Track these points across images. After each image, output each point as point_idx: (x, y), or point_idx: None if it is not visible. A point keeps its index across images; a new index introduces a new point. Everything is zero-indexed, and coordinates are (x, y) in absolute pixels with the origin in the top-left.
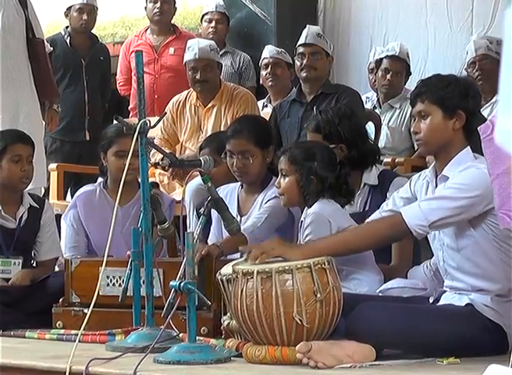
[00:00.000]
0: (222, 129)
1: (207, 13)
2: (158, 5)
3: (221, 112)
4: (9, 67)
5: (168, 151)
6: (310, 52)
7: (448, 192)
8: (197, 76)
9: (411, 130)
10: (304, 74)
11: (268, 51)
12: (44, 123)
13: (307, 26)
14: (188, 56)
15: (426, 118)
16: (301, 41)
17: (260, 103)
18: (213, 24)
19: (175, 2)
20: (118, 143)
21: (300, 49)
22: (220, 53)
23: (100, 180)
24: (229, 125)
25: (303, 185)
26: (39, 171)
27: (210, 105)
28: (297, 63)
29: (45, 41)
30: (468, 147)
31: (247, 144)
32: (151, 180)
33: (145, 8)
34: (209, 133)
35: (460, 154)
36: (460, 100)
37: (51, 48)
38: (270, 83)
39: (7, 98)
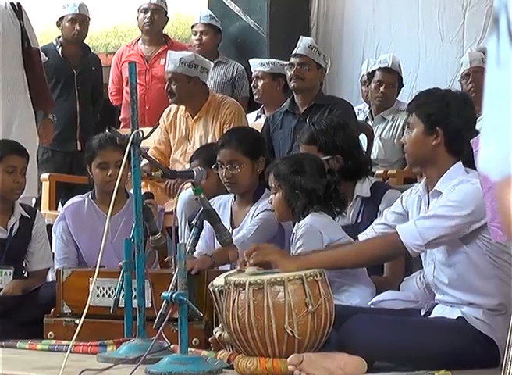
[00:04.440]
0: (209, 140)
1: (193, 25)
2: (149, 14)
3: (208, 123)
4: (4, 76)
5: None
6: (299, 63)
7: (443, 210)
8: (167, 89)
9: (401, 139)
10: (292, 84)
11: (252, 65)
12: (37, 133)
13: (301, 37)
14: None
15: (412, 130)
16: (294, 51)
17: (253, 114)
18: (197, 36)
19: (166, 12)
20: (100, 155)
21: (291, 59)
22: (213, 63)
23: None
24: (221, 136)
25: (289, 200)
26: (30, 181)
27: (197, 116)
28: (288, 73)
29: (41, 51)
30: (459, 162)
31: (235, 153)
32: (144, 190)
33: (137, 18)
34: (196, 144)
35: (451, 169)
36: (441, 117)
37: (47, 58)
38: (255, 97)
39: (1, 107)
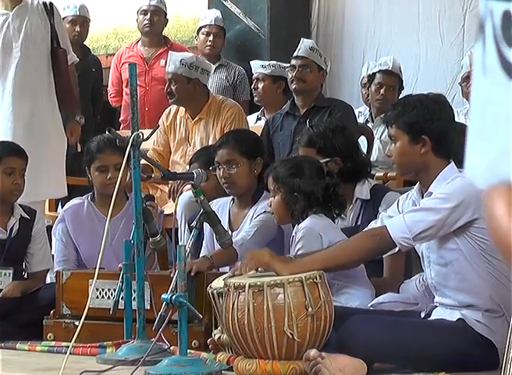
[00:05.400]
0: (210, 142)
1: (204, 26)
2: (148, 16)
3: (208, 125)
4: (27, 76)
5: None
6: (300, 65)
7: (431, 203)
8: (167, 89)
9: (385, 152)
10: (294, 86)
11: (253, 67)
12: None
13: (302, 39)
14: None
15: (396, 142)
16: (294, 53)
17: (254, 116)
18: (211, 38)
19: (166, 14)
20: (99, 158)
21: (292, 61)
22: (214, 66)
23: None
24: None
25: (288, 203)
26: (60, 181)
27: (197, 118)
28: (289, 75)
29: (71, 51)
30: (452, 163)
31: (232, 153)
32: (145, 192)
33: (136, 20)
34: (197, 146)
35: (445, 170)
36: (424, 124)
37: (77, 59)
38: (255, 99)
39: (21, 107)
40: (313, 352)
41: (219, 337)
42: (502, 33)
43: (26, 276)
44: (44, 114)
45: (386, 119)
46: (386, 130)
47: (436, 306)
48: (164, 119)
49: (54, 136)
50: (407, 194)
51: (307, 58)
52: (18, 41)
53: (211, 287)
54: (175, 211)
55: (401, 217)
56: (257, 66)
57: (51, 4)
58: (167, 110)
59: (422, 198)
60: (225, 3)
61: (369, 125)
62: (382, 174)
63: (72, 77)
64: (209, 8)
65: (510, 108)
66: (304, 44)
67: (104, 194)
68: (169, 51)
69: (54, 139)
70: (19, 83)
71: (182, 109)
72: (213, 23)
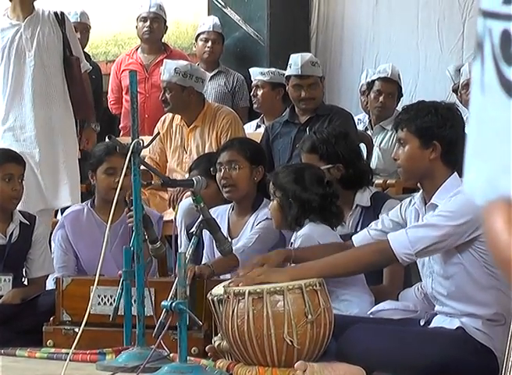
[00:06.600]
0: (206, 149)
1: (203, 32)
2: (148, 23)
3: (204, 132)
4: (43, 84)
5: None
6: (308, 84)
7: (435, 220)
8: (162, 98)
9: (391, 155)
10: (304, 106)
11: (252, 74)
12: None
13: (300, 54)
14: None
15: (404, 146)
16: (296, 71)
17: (253, 123)
18: (209, 44)
19: (165, 21)
20: (108, 161)
21: (297, 81)
22: (213, 73)
23: None
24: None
25: (283, 209)
26: (75, 188)
27: (193, 125)
28: (294, 94)
29: (84, 59)
30: (455, 174)
31: (236, 154)
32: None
33: (136, 27)
34: (193, 153)
35: (448, 181)
36: (437, 130)
37: (90, 67)
38: (255, 105)
39: (40, 115)
40: (297, 364)
41: (219, 344)
42: (501, 52)
43: (26, 282)
44: (60, 121)
45: (397, 121)
46: (385, 138)
47: (436, 314)
48: (160, 126)
49: (70, 143)
50: (409, 199)
51: (313, 75)
52: (31, 50)
53: (211, 293)
54: (175, 218)
55: (404, 232)
56: (257, 73)
57: (62, 13)
58: (162, 118)
59: (425, 205)
60: (224, 10)
61: (368, 132)
62: (381, 181)
63: (86, 85)
64: (209, 15)
65: (509, 126)
66: (304, 60)
67: (108, 198)
68: (164, 60)
69: (70, 146)
70: (35, 92)
71: (177, 117)
72: (211, 29)
